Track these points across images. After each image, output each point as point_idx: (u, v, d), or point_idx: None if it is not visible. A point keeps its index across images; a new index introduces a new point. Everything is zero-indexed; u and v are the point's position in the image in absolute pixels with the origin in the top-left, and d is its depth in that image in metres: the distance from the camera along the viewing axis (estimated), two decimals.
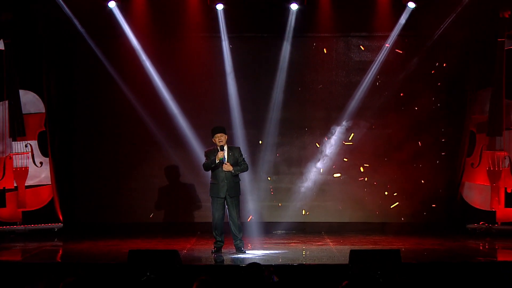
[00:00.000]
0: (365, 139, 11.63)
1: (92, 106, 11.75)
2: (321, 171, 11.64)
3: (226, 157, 9.10)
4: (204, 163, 9.16)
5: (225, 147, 9.14)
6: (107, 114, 11.72)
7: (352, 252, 7.46)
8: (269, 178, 11.67)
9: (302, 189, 11.63)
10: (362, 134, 11.63)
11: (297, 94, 11.75)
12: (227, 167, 9.07)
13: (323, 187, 11.72)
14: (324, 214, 11.75)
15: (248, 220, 11.23)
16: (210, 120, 11.31)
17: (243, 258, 8.77)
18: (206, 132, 11.04)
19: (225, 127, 9.39)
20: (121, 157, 11.71)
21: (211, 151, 9.15)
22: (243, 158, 9.30)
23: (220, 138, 9.09)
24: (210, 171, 9.24)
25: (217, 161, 9.00)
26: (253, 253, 9.15)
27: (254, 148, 11.48)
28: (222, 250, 9.22)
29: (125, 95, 11.48)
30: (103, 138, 11.73)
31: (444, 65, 11.39)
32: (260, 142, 11.58)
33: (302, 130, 11.76)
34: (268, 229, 11.47)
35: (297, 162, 11.75)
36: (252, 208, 11.51)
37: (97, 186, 11.69)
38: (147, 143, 11.64)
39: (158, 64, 11.56)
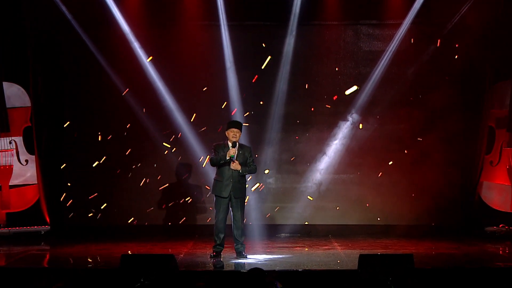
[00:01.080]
0: (375, 135, 11.64)
1: (82, 100, 11.72)
2: (327, 169, 11.67)
3: (236, 155, 9.08)
4: (212, 157, 9.15)
5: (237, 145, 9.12)
6: (99, 108, 11.69)
7: (362, 256, 7.40)
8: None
9: (307, 189, 11.65)
10: (372, 130, 11.64)
11: (302, 87, 11.72)
12: (236, 165, 9.06)
13: (330, 186, 11.74)
14: (331, 216, 11.74)
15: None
16: (208, 115, 11.40)
17: (244, 263, 8.76)
18: (204, 128, 11.14)
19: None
20: (113, 155, 11.68)
21: (220, 146, 9.15)
22: (253, 159, 9.30)
23: (235, 134, 9.08)
24: (213, 168, 9.24)
25: (227, 158, 8.99)
26: (255, 258, 9.13)
27: (256, 145, 11.41)
28: (222, 255, 9.20)
29: (118, 88, 11.46)
30: (95, 134, 11.68)
31: (456, 56, 11.37)
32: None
33: (307, 126, 11.75)
34: (271, 232, 11.46)
35: (301, 160, 11.74)
36: (254, 209, 11.51)
37: (88, 185, 11.67)
38: (142, 139, 11.62)
39: (153, 55, 11.52)
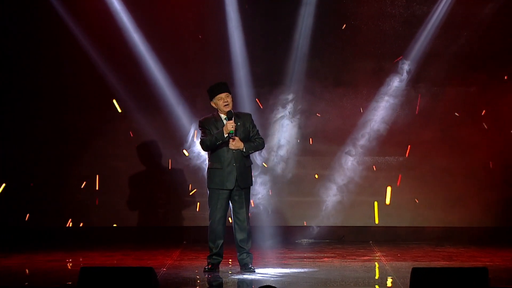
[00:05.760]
0: (433, 103, 11.72)
1: (29, 53, 11.74)
2: (366, 150, 11.72)
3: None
4: (203, 139, 9.04)
5: (233, 115, 9.01)
6: (50, 64, 11.75)
7: (415, 270, 7.27)
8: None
9: (340, 178, 11.69)
10: (429, 95, 11.70)
11: (331, 36, 11.78)
12: (237, 143, 8.96)
13: (370, 174, 11.81)
14: (371, 215, 11.78)
15: None
16: (201, 74, 11.46)
17: (252, 280, 8.70)
18: (195, 92, 11.38)
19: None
20: (67, 130, 11.78)
21: (210, 121, 9.05)
22: (257, 130, 9.22)
23: (226, 100, 8.97)
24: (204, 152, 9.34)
25: (225, 135, 8.86)
26: (266, 273, 9.11)
27: (266, 115, 11.49)
28: (220, 268, 9.19)
29: (77, 40, 11.57)
30: (42, 102, 11.75)
31: None
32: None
33: (340, 89, 11.75)
34: (288, 237, 11.61)
35: (331, 138, 11.80)
36: (263, 205, 11.60)
37: (32, 174, 11.75)
38: (108, 108, 11.71)
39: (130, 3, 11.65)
